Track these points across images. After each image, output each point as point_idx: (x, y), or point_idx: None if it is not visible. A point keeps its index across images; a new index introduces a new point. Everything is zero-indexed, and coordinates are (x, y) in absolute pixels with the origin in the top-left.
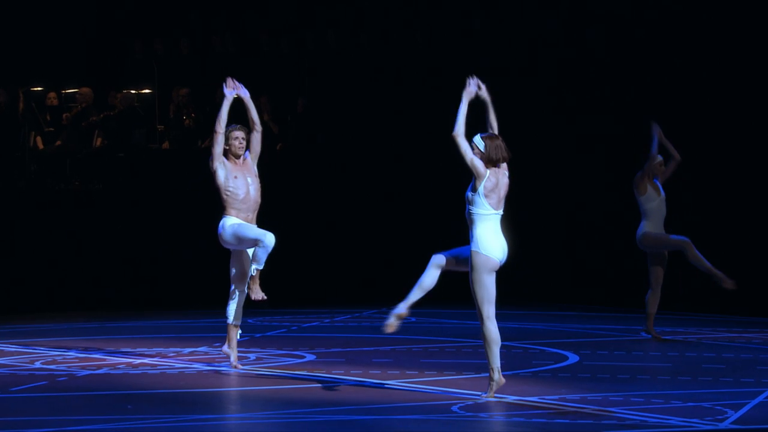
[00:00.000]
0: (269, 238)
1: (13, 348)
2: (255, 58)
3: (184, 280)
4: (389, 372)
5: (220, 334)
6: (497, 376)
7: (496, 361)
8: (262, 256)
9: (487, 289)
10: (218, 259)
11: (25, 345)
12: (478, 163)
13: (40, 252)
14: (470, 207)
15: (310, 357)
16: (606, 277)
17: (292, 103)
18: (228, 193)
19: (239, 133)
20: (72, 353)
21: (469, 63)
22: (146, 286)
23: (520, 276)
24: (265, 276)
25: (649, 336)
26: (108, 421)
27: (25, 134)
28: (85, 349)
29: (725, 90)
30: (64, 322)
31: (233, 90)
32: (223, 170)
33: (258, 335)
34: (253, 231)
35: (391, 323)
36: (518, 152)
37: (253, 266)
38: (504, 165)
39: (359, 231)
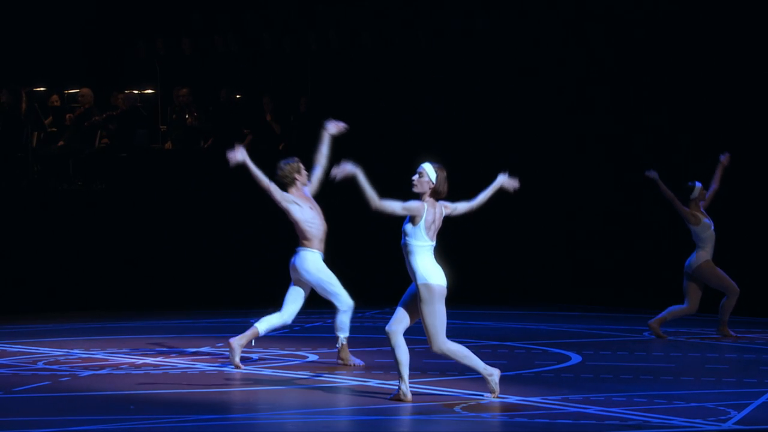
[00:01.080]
0: (348, 302)
1: (16, 348)
2: (257, 58)
3: (186, 280)
4: (392, 372)
5: (222, 334)
6: (490, 371)
7: (480, 364)
8: (347, 321)
9: (441, 319)
10: (220, 259)
11: (28, 345)
12: (413, 206)
13: (42, 252)
14: (408, 239)
15: (312, 357)
16: (609, 278)
17: (295, 102)
18: (309, 226)
19: (301, 165)
20: (75, 353)
21: (471, 62)
22: (149, 286)
23: (522, 276)
24: (266, 276)
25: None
26: (110, 422)
27: (27, 134)
28: (88, 350)
29: (726, 90)
30: (66, 322)
31: (236, 160)
32: (295, 206)
33: (261, 335)
34: (337, 288)
35: (407, 398)
36: (520, 152)
37: (341, 335)
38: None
39: (361, 231)
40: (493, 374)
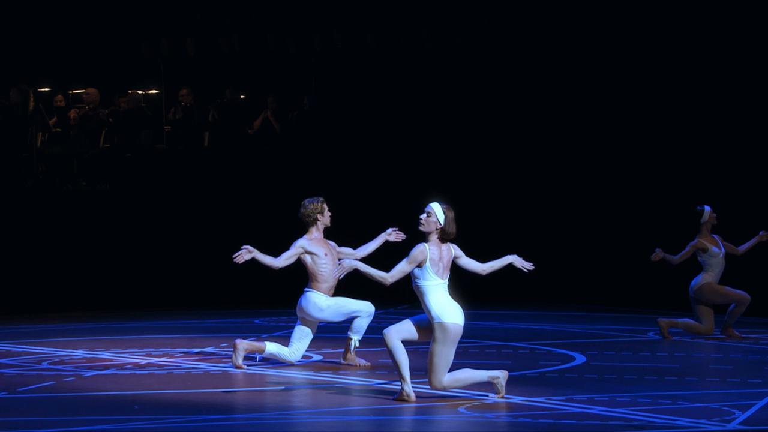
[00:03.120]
0: (370, 309)
1: (20, 348)
2: (261, 59)
3: (191, 280)
4: (395, 373)
5: (226, 335)
6: (495, 375)
7: (483, 376)
8: (365, 326)
9: (448, 359)
10: (224, 259)
11: (32, 345)
12: (415, 256)
13: (46, 252)
14: (417, 281)
15: (316, 357)
16: (613, 278)
17: (299, 102)
18: (322, 270)
19: (325, 205)
20: (79, 353)
21: (475, 63)
22: (153, 286)
23: (526, 276)
24: (269, 276)
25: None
26: (115, 422)
27: (32, 135)
28: (92, 350)
29: (728, 89)
30: (71, 322)
31: (244, 259)
32: (310, 257)
33: (265, 335)
34: (353, 305)
35: (410, 398)
36: (524, 152)
37: (355, 337)
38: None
39: (364, 230)
40: (499, 377)
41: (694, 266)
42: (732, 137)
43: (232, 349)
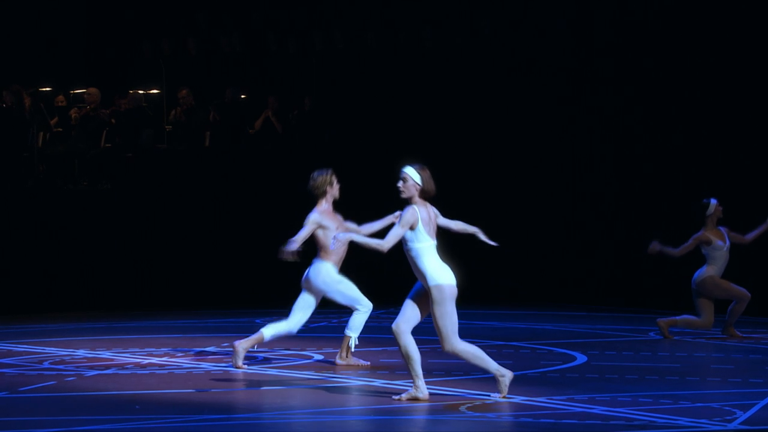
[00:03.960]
0: (369, 304)
1: (21, 348)
2: (262, 58)
3: (192, 280)
4: (397, 372)
5: (227, 334)
6: (503, 372)
7: (492, 364)
8: (363, 322)
9: (452, 319)
10: (225, 258)
11: (34, 345)
12: (406, 218)
13: (48, 252)
14: (410, 243)
15: (318, 357)
16: (614, 278)
17: (299, 102)
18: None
19: (335, 177)
20: (80, 353)
21: (476, 62)
22: (154, 285)
23: (528, 276)
24: (272, 275)
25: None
26: (116, 421)
27: (33, 134)
28: (93, 349)
29: (729, 88)
30: (72, 322)
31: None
32: (322, 230)
33: (266, 341)
34: (356, 293)
35: (425, 396)
36: (526, 151)
37: (353, 335)
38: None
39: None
40: (506, 375)
41: (697, 262)
42: (736, 134)
43: (231, 350)
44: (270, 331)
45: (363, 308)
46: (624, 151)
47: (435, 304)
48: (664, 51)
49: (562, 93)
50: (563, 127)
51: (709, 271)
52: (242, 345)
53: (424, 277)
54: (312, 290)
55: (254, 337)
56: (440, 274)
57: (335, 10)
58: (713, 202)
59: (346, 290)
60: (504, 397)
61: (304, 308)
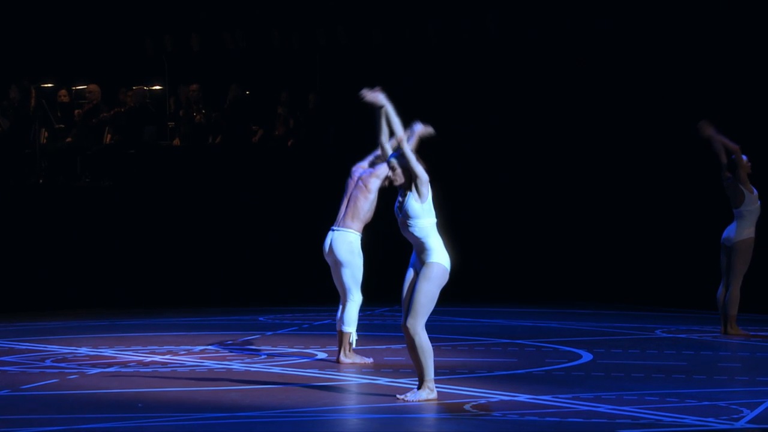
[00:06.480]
0: (360, 296)
1: (23, 346)
2: (266, 54)
3: (195, 278)
4: (401, 371)
5: (230, 332)
6: (432, 387)
7: (430, 372)
8: (356, 316)
9: (432, 302)
10: (228, 256)
11: (36, 343)
12: (423, 170)
13: (49, 249)
14: (419, 220)
15: (321, 355)
16: (620, 275)
17: (304, 99)
18: (370, 208)
19: None
20: (82, 351)
21: (481, 59)
22: (156, 283)
23: (533, 273)
24: (274, 275)
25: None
26: (118, 420)
27: (35, 131)
28: (96, 347)
29: (729, 88)
30: (74, 319)
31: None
32: (373, 196)
33: (269, 333)
34: (359, 280)
35: (433, 392)
36: (532, 149)
37: (352, 330)
38: None
39: (369, 229)
40: (433, 392)
41: (706, 264)
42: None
43: (236, 348)
44: (348, 327)
45: (355, 300)
46: (633, 149)
47: (425, 279)
48: (663, 51)
49: (566, 92)
50: (570, 125)
51: (748, 232)
52: (346, 359)
53: (428, 252)
54: (336, 262)
55: (343, 342)
56: (444, 257)
57: (339, 7)
58: (744, 157)
59: (357, 272)
60: (406, 400)
61: (356, 281)
